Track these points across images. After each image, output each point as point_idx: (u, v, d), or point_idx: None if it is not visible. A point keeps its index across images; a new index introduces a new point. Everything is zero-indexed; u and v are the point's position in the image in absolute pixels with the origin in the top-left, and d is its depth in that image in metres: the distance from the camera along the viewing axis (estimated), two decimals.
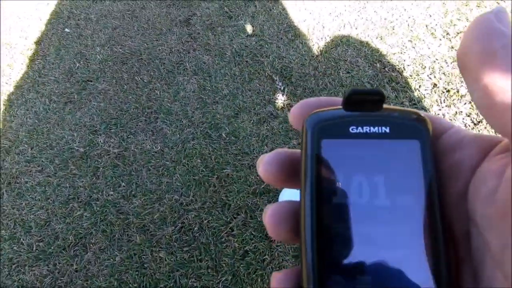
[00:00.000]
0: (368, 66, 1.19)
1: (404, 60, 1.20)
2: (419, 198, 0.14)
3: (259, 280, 0.77)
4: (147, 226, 0.86)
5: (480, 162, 0.13)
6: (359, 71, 1.17)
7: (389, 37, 1.27)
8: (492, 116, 0.12)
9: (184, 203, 0.89)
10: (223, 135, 1.03)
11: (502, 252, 0.12)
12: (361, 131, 0.15)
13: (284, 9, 1.41)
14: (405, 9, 1.36)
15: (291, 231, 0.15)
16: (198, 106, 1.11)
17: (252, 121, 1.05)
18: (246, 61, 1.23)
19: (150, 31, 1.38)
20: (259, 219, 0.85)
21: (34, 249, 0.84)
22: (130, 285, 0.78)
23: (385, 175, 0.15)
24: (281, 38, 1.31)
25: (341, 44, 1.26)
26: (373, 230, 0.14)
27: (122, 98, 1.14)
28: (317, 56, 1.23)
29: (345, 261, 0.14)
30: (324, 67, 1.19)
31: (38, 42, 1.36)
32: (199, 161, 0.97)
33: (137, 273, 0.79)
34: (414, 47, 1.24)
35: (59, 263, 0.82)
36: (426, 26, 1.29)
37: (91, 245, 0.84)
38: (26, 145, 1.04)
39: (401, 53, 1.23)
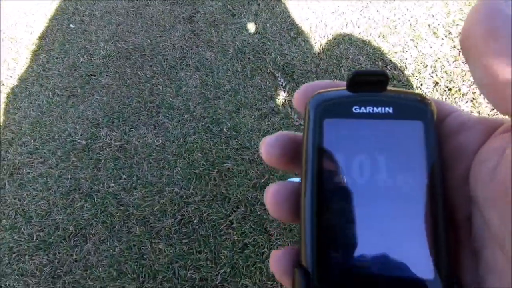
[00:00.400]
0: (370, 64, 1.19)
1: (406, 59, 1.20)
2: (421, 179, 0.14)
3: (257, 272, 0.76)
4: (147, 218, 0.86)
5: (483, 143, 0.13)
6: (360, 67, 1.17)
7: (391, 36, 1.28)
8: (493, 94, 0.12)
9: (184, 196, 0.90)
10: (224, 129, 1.03)
11: (503, 230, 0.12)
12: (364, 111, 0.15)
13: (287, 7, 1.42)
14: (407, 9, 1.36)
15: (291, 211, 0.15)
16: (200, 101, 1.11)
17: (253, 117, 1.05)
18: (249, 58, 1.24)
19: (153, 28, 1.39)
20: (258, 212, 0.85)
21: (34, 238, 0.85)
22: (129, 275, 0.78)
23: (387, 155, 0.14)
24: (284, 36, 1.31)
25: (343, 42, 1.27)
26: (373, 209, 0.14)
27: (125, 93, 1.15)
28: (319, 53, 1.24)
29: (344, 239, 0.14)
30: (326, 64, 1.20)
31: (43, 37, 1.38)
32: (200, 155, 0.98)
33: (136, 264, 0.80)
34: (416, 46, 1.24)
35: (59, 253, 0.82)
36: (429, 25, 1.30)
37: (91, 236, 0.84)
38: (29, 137, 1.05)
39: (403, 51, 1.23)
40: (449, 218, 0.13)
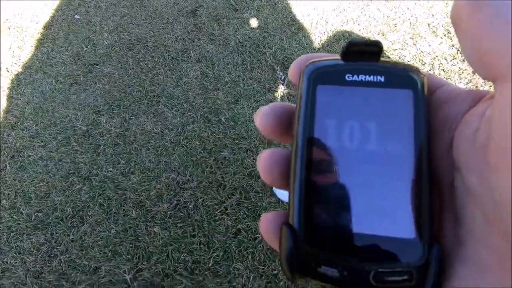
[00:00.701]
0: None
1: (405, 56, 1.22)
2: (409, 145, 0.14)
3: (249, 257, 0.78)
4: (143, 202, 0.88)
5: (468, 111, 0.14)
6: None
7: (391, 33, 1.29)
8: (477, 60, 0.12)
9: (181, 182, 0.91)
10: (223, 120, 1.05)
11: (481, 190, 0.12)
12: (357, 79, 0.15)
13: (288, 4, 1.44)
14: (408, 8, 1.38)
15: (282, 175, 0.16)
16: (199, 91, 1.13)
17: (251, 108, 1.07)
18: (249, 52, 1.26)
19: (157, 20, 1.41)
20: (253, 200, 0.87)
21: (32, 219, 0.86)
22: (124, 256, 0.79)
23: (377, 122, 0.15)
24: (284, 31, 1.33)
25: (343, 39, 1.28)
26: (360, 173, 0.14)
27: (127, 82, 1.17)
28: (318, 49, 1.25)
29: (330, 200, 0.14)
30: None
31: (48, 27, 1.41)
32: (197, 143, 1.00)
33: (131, 245, 0.81)
34: (415, 44, 1.25)
35: (56, 233, 0.84)
36: (428, 24, 1.31)
37: (88, 218, 0.86)
38: (31, 122, 1.07)
39: (402, 49, 1.24)
40: (434, 184, 0.14)
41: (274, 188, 0.87)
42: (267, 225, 0.16)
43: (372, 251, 0.14)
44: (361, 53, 0.15)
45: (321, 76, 0.15)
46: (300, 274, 0.14)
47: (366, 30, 1.31)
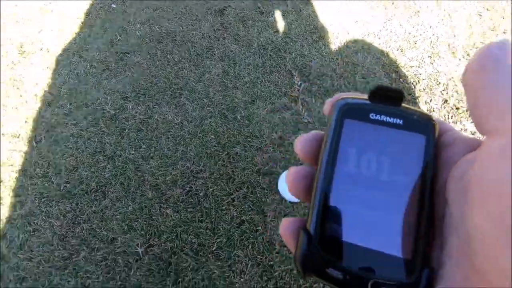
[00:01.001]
0: (384, 75, 1.24)
1: (420, 74, 1.25)
2: (415, 180, 0.16)
3: (250, 247, 0.85)
4: (159, 185, 0.97)
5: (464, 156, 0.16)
6: (374, 78, 1.23)
7: (410, 50, 1.32)
8: (475, 116, 0.14)
9: (194, 171, 1.00)
10: (238, 117, 1.12)
11: (460, 222, 0.14)
12: (379, 118, 0.18)
13: (313, 11, 1.49)
14: (430, 26, 1.40)
15: (305, 190, 0.18)
16: (219, 88, 1.21)
17: (266, 109, 1.14)
18: (270, 55, 1.32)
19: (186, 16, 1.49)
20: (258, 195, 0.94)
21: (61, 188, 0.97)
22: (138, 231, 0.89)
23: (391, 157, 0.17)
24: (306, 38, 1.38)
25: (362, 51, 1.32)
26: (371, 197, 0.17)
27: (154, 72, 1.26)
28: (337, 59, 1.30)
29: (344, 215, 0.17)
30: (342, 70, 1.26)
31: (87, 13, 1.51)
32: (213, 137, 1.07)
33: (145, 223, 0.90)
34: (432, 63, 1.28)
35: (80, 203, 0.94)
36: (449, 45, 1.33)
37: (109, 193, 0.96)
38: (65, 101, 1.18)
39: (418, 67, 1.27)
40: (431, 215, 0.16)
41: (279, 186, 0.94)
42: (287, 226, 0.18)
43: (374, 263, 0.16)
44: (386, 97, 0.18)
45: (349, 111, 0.18)
46: (311, 272, 0.17)
47: (385, 45, 1.34)
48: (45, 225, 0.90)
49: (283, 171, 0.98)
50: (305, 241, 0.17)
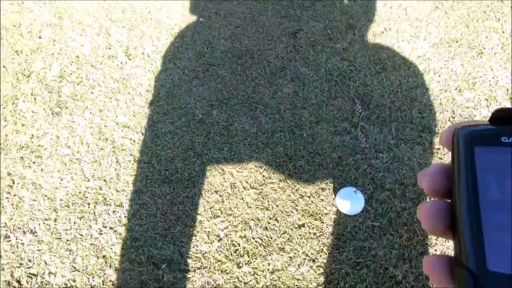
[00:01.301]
0: (440, 112, 1.37)
1: (475, 116, 1.36)
2: None
3: (308, 245, 1.06)
4: (237, 184, 1.20)
5: None
6: (429, 115, 1.36)
7: (468, 91, 1.43)
8: None
9: (266, 176, 1.21)
10: (304, 135, 1.32)
11: None
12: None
13: (380, 43, 1.63)
14: (491, 69, 1.49)
15: (442, 224, 0.18)
16: (289, 107, 1.41)
17: (329, 131, 1.32)
18: (335, 81, 1.49)
19: (263, 36, 1.70)
20: (318, 205, 1.14)
21: (162, 174, 1.23)
22: (220, 218, 1.13)
23: None
24: (370, 68, 1.53)
25: (421, 87, 1.45)
26: None
27: (234, 85, 1.49)
28: (396, 92, 1.44)
29: (503, 247, 0.16)
30: (400, 102, 1.41)
31: (180, 24, 1.77)
32: (281, 149, 1.28)
33: (226, 213, 1.14)
34: (488, 106, 1.38)
35: (176, 188, 1.20)
36: (507, 90, 1.42)
37: (198, 184, 1.20)
38: (163, 102, 1.44)
39: (474, 108, 1.38)
40: None
41: (336, 200, 1.13)
42: (434, 264, 0.18)
43: None
44: (509, 119, 0.17)
45: (477, 138, 0.17)
46: None
47: (444, 83, 1.46)
48: (150, 201, 1.17)
49: (340, 187, 1.16)
50: (470, 281, 0.16)
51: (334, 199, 1.14)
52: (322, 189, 1.17)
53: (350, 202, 1.07)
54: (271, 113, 1.39)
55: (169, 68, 1.57)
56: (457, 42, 1.62)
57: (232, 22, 1.77)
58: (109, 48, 1.68)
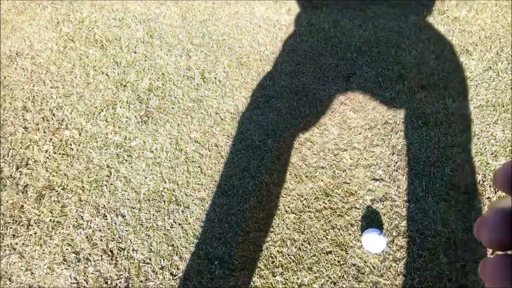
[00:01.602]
0: (471, 174, 1.51)
1: None
2: None
3: (332, 270, 1.29)
4: (280, 206, 1.46)
5: None
6: (461, 175, 1.51)
7: (503, 157, 1.54)
8: None
9: (304, 205, 1.46)
10: (343, 175, 1.54)
11: None
12: None
13: (426, 97, 1.78)
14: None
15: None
16: (333, 147, 1.63)
17: (365, 175, 1.53)
18: (378, 129, 1.68)
19: (320, 75, 1.93)
20: (346, 237, 1.36)
21: (221, 188, 1.53)
22: (264, 233, 1.40)
23: None
24: (412, 121, 1.70)
25: (457, 146, 1.59)
26: None
27: (289, 119, 1.75)
28: (433, 148, 1.60)
29: None
30: (435, 158, 1.56)
31: (248, 55, 2.06)
32: (321, 184, 1.52)
33: (268, 229, 1.41)
34: None
35: (232, 201, 1.49)
36: None
37: (249, 201, 1.48)
38: (228, 126, 1.74)
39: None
40: None
41: (363, 237, 1.34)
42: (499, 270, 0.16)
43: None
44: None
45: None
46: None
47: (481, 146, 1.58)
48: (210, 208, 1.48)
49: (367, 227, 1.37)
50: None
51: (360, 235, 1.36)
52: (351, 225, 1.39)
53: (373, 241, 1.28)
54: (317, 150, 1.63)
55: (235, 96, 1.87)
56: (503, 106, 1.72)
57: (294, 59, 2.02)
58: (189, 70, 2.01)
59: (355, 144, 1.63)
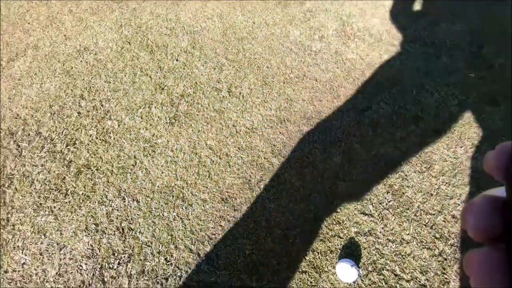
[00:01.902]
0: (464, 230, 1.51)
1: None
2: None
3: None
4: (271, 221, 1.61)
5: None
6: (452, 227, 1.52)
7: None
8: None
9: (293, 224, 1.59)
10: (334, 203, 1.64)
11: None
12: None
13: (437, 142, 1.79)
14: None
15: (503, 277, 0.15)
16: (333, 175, 1.73)
17: (356, 208, 1.61)
18: (381, 165, 1.74)
19: (336, 105, 2.03)
20: (319, 260, 1.47)
21: (222, 194, 1.73)
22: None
23: None
24: (417, 164, 1.73)
25: (457, 198, 1.59)
26: None
27: (297, 143, 1.88)
28: (431, 195, 1.62)
29: None
30: (430, 206, 1.59)
31: (273, 75, 2.23)
32: (312, 207, 1.63)
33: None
34: None
35: (228, 208, 1.67)
36: None
37: (243, 211, 1.66)
38: (241, 139, 1.93)
39: None
40: None
41: (337, 265, 1.43)
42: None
43: None
44: None
45: None
46: None
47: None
48: (209, 210, 1.67)
49: (345, 256, 1.46)
50: None
51: (337, 262, 1.45)
52: (331, 251, 1.49)
53: (346, 271, 1.37)
54: (316, 175, 1.74)
55: (254, 112, 2.05)
56: None
57: (314, 86, 2.14)
58: (218, 82, 2.25)
59: (353, 176, 1.71)
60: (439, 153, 1.75)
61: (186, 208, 1.69)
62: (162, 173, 1.83)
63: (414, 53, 2.29)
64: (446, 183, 1.64)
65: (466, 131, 1.83)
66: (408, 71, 2.18)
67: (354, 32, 2.49)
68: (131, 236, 1.61)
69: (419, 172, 1.70)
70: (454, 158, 1.72)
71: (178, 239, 1.59)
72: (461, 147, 1.76)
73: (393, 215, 1.57)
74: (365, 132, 1.88)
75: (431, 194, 1.62)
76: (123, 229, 1.64)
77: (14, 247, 1.59)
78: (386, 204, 1.61)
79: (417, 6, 2.70)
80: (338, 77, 2.18)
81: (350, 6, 2.72)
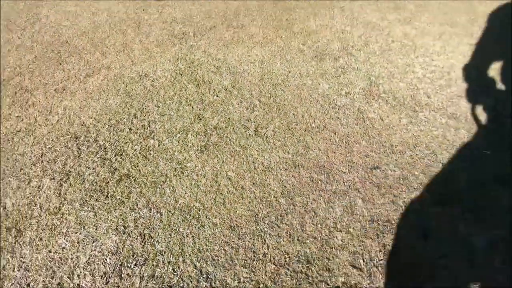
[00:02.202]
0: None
1: None
2: None
3: None
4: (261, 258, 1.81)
5: None
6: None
7: None
8: None
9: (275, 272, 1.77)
10: (319, 264, 1.79)
11: None
12: None
13: (438, 213, 1.88)
14: None
15: None
16: (332, 225, 1.90)
17: (347, 260, 1.75)
18: (378, 223, 1.87)
19: (347, 159, 2.21)
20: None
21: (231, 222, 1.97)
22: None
23: None
24: (412, 230, 1.83)
25: (449, 270, 1.66)
26: None
27: (305, 188, 2.08)
28: (423, 261, 1.70)
29: None
30: (420, 272, 1.67)
31: (304, 124, 2.49)
32: (303, 259, 1.80)
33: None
34: None
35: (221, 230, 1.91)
36: None
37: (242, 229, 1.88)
38: (258, 175, 2.18)
39: None
40: None
41: None
42: None
43: None
44: None
45: None
46: None
47: (477, 279, 1.62)
48: (220, 235, 1.92)
49: None
50: None
51: None
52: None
53: None
54: (316, 222, 1.92)
55: (273, 153, 2.31)
56: None
57: (332, 138, 2.36)
58: (248, 121, 2.56)
59: (351, 229, 1.86)
60: (439, 224, 1.83)
61: (198, 228, 1.95)
62: (185, 193, 2.13)
63: (433, 120, 2.41)
64: (440, 254, 1.72)
65: (473, 206, 1.90)
66: (424, 137, 2.30)
67: (379, 93, 2.69)
68: (149, 243, 1.90)
69: (414, 238, 1.80)
70: (453, 232, 1.79)
71: (187, 254, 1.85)
72: (463, 221, 1.83)
73: (381, 274, 1.68)
74: (370, 190, 2.03)
75: (424, 261, 1.70)
76: (144, 236, 1.94)
77: (59, 233, 1.97)
78: (377, 262, 1.73)
79: (443, 78, 2.83)
80: (356, 134, 2.37)
81: (380, 68, 2.94)
